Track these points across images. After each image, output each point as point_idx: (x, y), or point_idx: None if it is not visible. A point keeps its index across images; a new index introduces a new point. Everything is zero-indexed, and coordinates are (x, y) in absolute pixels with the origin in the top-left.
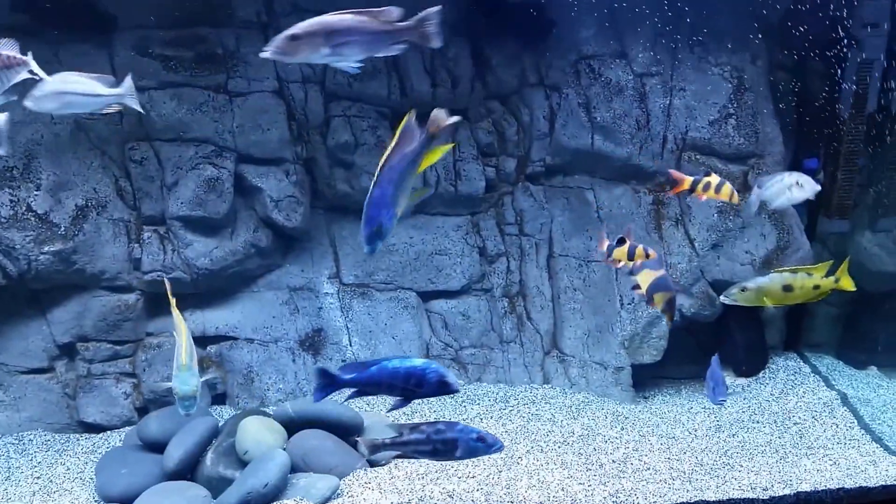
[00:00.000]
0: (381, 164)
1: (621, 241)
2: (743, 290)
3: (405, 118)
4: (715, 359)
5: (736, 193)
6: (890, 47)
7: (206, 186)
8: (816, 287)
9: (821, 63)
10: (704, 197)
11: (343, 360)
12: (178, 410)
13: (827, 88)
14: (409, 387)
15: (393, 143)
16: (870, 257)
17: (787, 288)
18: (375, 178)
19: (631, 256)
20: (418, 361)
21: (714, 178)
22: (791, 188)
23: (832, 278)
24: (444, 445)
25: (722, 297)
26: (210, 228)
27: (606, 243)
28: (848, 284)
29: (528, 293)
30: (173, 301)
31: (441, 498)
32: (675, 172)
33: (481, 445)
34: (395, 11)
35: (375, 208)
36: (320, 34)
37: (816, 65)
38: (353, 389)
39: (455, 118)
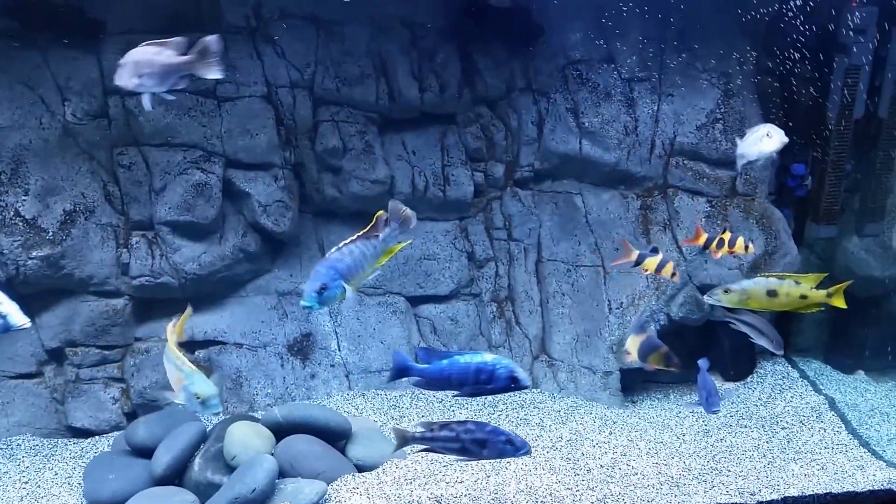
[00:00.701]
0: (348, 240)
1: (654, 251)
2: (727, 292)
3: (378, 213)
4: (703, 365)
5: (751, 245)
6: (876, 53)
7: (194, 191)
8: (804, 297)
9: (808, 68)
10: (719, 254)
11: (332, 365)
12: (209, 413)
13: (814, 94)
14: (479, 382)
15: (365, 229)
16: (857, 262)
17: (772, 293)
18: (339, 246)
19: (659, 269)
20: (488, 357)
21: (726, 235)
22: (762, 139)
23: (823, 292)
24: (472, 444)
25: (705, 297)
26: (198, 233)
27: (636, 252)
28: (839, 302)
29: (517, 298)
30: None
31: (429, 503)
32: (699, 227)
33: (509, 448)
34: (181, 43)
35: (327, 268)
36: (128, 65)
37: (804, 70)
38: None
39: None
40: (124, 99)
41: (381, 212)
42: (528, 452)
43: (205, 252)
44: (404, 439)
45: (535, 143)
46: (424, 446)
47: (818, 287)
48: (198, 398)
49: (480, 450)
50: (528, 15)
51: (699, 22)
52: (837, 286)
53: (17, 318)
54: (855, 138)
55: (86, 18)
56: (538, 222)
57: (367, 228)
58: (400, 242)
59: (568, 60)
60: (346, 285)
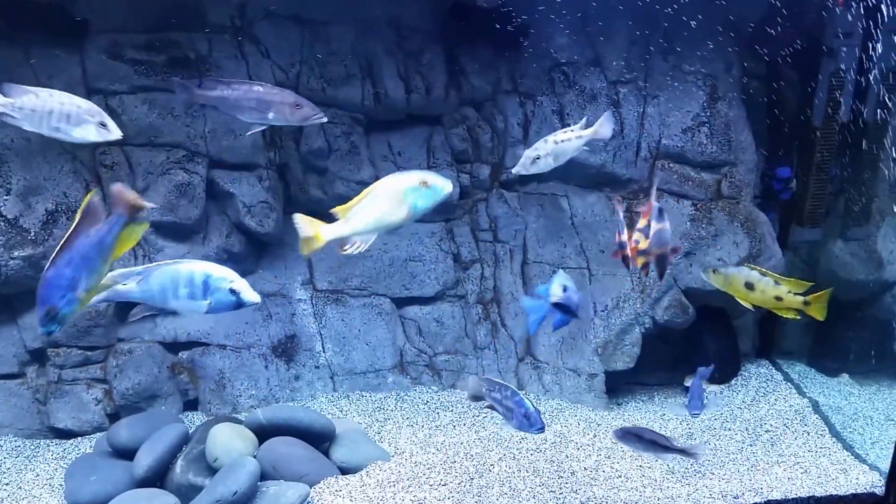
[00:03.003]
0: (59, 245)
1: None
2: (714, 272)
3: (86, 198)
4: (700, 371)
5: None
6: (861, 57)
7: (177, 191)
8: (779, 298)
9: (793, 72)
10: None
11: (316, 367)
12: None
13: (799, 97)
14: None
15: (74, 224)
16: (842, 266)
17: (749, 286)
18: (51, 259)
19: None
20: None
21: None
22: (537, 160)
23: (800, 298)
24: (507, 410)
25: (701, 272)
26: (182, 234)
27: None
28: (818, 313)
29: (503, 300)
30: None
31: None
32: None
33: (525, 422)
34: None
35: (47, 289)
36: None
37: (789, 74)
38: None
39: (142, 202)
40: (107, 98)
41: (91, 193)
42: (539, 431)
43: (188, 252)
44: (477, 395)
45: (521, 144)
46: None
47: (803, 294)
48: (424, 184)
49: (510, 417)
50: (514, 17)
51: (685, 24)
52: (816, 295)
53: (250, 294)
54: (840, 142)
55: (69, 17)
56: (524, 224)
57: (79, 219)
58: (136, 226)
59: (554, 62)
60: (79, 295)
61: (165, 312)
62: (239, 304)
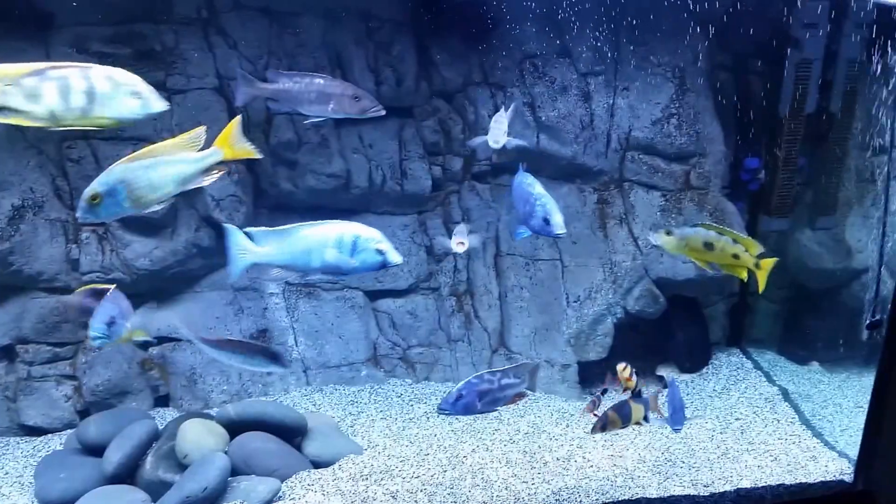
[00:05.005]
0: None
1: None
2: (668, 234)
3: None
4: (672, 382)
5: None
6: (828, 47)
7: None
8: (735, 257)
9: (761, 63)
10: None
11: (289, 361)
12: None
13: (767, 88)
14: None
15: None
16: (810, 255)
17: (708, 245)
18: None
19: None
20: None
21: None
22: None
23: (753, 260)
24: None
25: (650, 236)
26: (149, 228)
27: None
28: (761, 279)
29: (476, 292)
30: None
31: (384, 499)
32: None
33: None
34: None
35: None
36: None
37: (757, 65)
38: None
39: None
40: None
41: None
42: (438, 410)
43: (156, 247)
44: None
45: None
46: None
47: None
48: None
49: None
50: (484, 8)
51: (654, 16)
52: (767, 260)
53: (394, 255)
54: (808, 132)
55: (34, 10)
56: (496, 216)
57: None
58: None
59: (524, 54)
60: None
61: (300, 274)
62: (383, 265)
